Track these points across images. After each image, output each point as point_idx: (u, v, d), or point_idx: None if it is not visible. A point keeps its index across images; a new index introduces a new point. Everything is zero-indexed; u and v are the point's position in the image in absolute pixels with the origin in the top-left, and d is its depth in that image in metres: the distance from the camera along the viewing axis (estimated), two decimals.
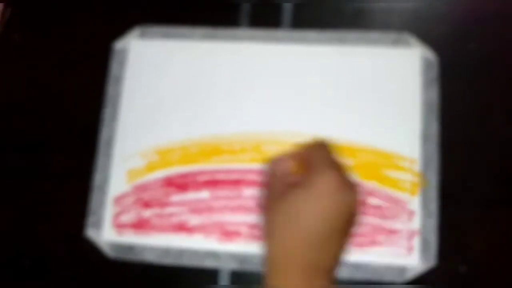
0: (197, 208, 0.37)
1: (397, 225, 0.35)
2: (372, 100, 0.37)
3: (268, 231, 0.28)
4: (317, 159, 0.28)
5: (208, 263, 0.36)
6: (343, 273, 0.35)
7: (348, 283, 0.35)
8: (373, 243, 0.35)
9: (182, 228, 0.36)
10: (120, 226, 0.37)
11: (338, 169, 0.28)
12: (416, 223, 0.35)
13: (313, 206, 0.27)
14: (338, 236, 0.27)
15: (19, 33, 0.43)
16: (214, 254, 0.36)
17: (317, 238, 0.26)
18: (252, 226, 0.36)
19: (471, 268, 0.34)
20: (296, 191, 0.27)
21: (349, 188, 0.28)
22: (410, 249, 0.35)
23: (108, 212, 0.37)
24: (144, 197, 0.37)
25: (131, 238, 0.37)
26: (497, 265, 0.35)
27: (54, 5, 0.43)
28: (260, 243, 0.31)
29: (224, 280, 0.36)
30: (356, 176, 0.29)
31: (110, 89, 0.40)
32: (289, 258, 0.27)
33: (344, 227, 0.27)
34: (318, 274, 0.27)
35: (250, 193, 0.36)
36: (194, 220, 0.36)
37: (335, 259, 0.28)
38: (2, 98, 0.41)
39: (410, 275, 0.34)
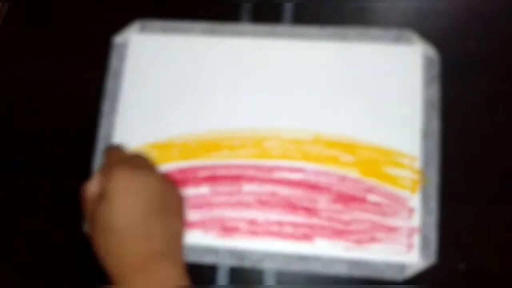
0: (196, 204, 0.36)
1: (397, 222, 0.35)
2: (372, 97, 0.37)
3: (97, 250, 0.29)
4: (103, 165, 0.30)
5: (207, 259, 0.35)
6: (342, 270, 0.34)
7: (347, 280, 0.35)
8: (373, 240, 0.35)
9: None
10: None
11: (120, 162, 0.29)
12: (416, 220, 0.35)
13: (112, 206, 0.27)
14: (157, 219, 0.28)
15: (18, 27, 0.42)
16: (213, 250, 0.35)
17: (132, 231, 0.27)
18: (252, 222, 0.36)
19: (471, 266, 0.34)
20: (100, 205, 0.28)
21: (139, 172, 0.28)
22: (410, 247, 0.35)
23: None
24: None
25: None
26: (497, 263, 0.34)
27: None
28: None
29: (223, 276, 0.35)
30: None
31: (109, 83, 0.39)
32: (121, 263, 0.27)
33: (158, 208, 0.28)
34: (156, 263, 0.27)
35: (250, 189, 0.36)
36: (193, 215, 0.36)
37: (168, 242, 0.28)
38: (3, 91, 0.41)
39: (410, 272, 0.34)
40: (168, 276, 0.28)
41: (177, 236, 0.29)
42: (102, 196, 0.28)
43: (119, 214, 0.27)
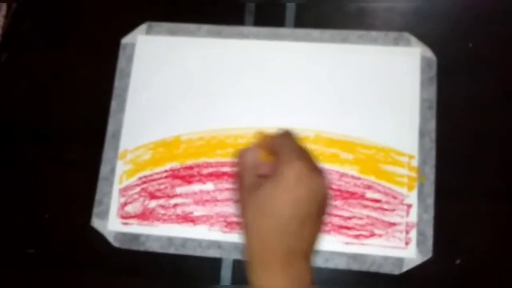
0: (201, 200, 0.38)
1: (395, 218, 0.36)
2: (372, 97, 0.38)
3: (244, 224, 0.29)
4: (283, 149, 0.29)
5: (212, 253, 0.37)
6: (341, 264, 0.36)
7: (346, 274, 0.36)
8: (372, 235, 0.36)
9: (186, 219, 0.37)
10: (125, 217, 0.38)
11: (303, 156, 0.29)
12: (413, 216, 0.36)
13: (284, 195, 0.27)
14: (311, 221, 0.28)
15: (27, 26, 0.43)
16: (217, 244, 0.37)
17: (290, 225, 0.27)
18: None
19: (467, 261, 0.35)
20: (266, 183, 0.28)
21: (316, 174, 0.28)
22: (407, 242, 0.36)
23: (114, 202, 0.38)
24: (149, 188, 0.38)
25: (136, 228, 0.37)
26: (491, 257, 0.36)
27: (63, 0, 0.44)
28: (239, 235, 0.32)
29: (226, 269, 0.37)
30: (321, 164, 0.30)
31: (117, 83, 0.41)
32: (265, 247, 0.28)
33: (315, 212, 0.28)
34: (296, 260, 0.28)
35: None
36: (198, 211, 0.37)
37: (310, 243, 0.29)
38: (15, 90, 0.42)
39: (407, 267, 0.35)
40: (305, 274, 0.28)
41: (319, 239, 0.29)
42: (271, 177, 0.28)
43: (287, 206, 0.27)
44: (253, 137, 0.34)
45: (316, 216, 0.28)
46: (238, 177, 0.31)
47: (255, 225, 0.28)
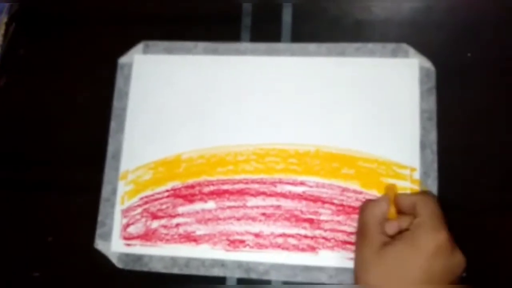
0: (203, 219, 0.38)
1: None
2: (372, 110, 0.38)
3: (364, 281, 0.28)
4: (425, 212, 0.28)
5: (216, 272, 0.37)
6: (346, 279, 0.35)
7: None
8: None
9: (189, 238, 0.37)
10: (128, 238, 0.38)
11: (446, 229, 0.28)
12: None
13: (419, 265, 0.26)
14: None
15: (24, 48, 0.44)
16: (221, 263, 0.37)
17: None
18: (257, 235, 0.37)
19: (472, 274, 0.35)
20: (400, 246, 0.27)
21: (457, 251, 0.27)
22: None
23: (116, 224, 0.38)
24: (151, 208, 0.38)
25: (139, 249, 0.37)
26: (497, 270, 0.35)
27: (60, 21, 0.44)
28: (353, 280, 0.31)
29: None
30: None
31: (116, 103, 0.41)
32: None
33: (443, 286, 0.27)
34: None
35: (255, 203, 0.37)
36: (200, 230, 0.37)
37: None
38: (12, 114, 0.42)
39: None
40: None
41: None
42: (404, 239, 0.27)
43: (420, 274, 0.26)
44: (385, 191, 0.34)
45: None
46: (362, 229, 0.30)
47: (379, 282, 0.27)
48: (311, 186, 0.37)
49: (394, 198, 0.30)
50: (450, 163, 0.37)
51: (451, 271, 0.27)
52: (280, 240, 0.37)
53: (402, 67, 0.39)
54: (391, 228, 0.29)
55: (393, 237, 0.29)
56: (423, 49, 0.39)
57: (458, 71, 0.39)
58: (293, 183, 0.37)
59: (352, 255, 0.36)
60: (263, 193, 0.37)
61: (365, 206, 0.30)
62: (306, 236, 0.36)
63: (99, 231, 0.38)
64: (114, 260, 0.38)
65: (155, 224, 0.38)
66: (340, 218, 0.36)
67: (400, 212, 0.30)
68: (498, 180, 0.37)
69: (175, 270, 0.37)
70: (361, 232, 0.30)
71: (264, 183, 0.38)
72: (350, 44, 0.40)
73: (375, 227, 0.29)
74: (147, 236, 0.38)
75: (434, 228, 0.27)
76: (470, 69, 0.39)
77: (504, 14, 0.40)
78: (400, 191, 0.34)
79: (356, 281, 0.29)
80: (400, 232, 0.30)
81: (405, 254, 0.27)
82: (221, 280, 0.37)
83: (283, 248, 0.36)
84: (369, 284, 0.27)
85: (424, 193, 0.29)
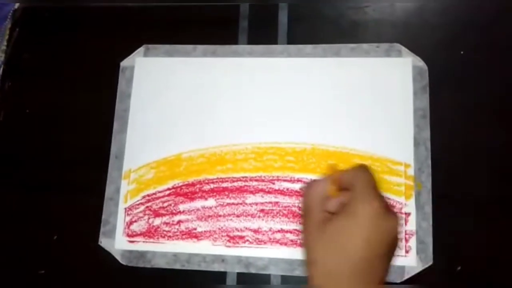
0: (204, 216, 0.39)
1: None
2: (366, 108, 0.39)
3: (310, 258, 0.29)
4: (359, 185, 0.29)
5: (216, 267, 0.38)
6: None
7: None
8: None
9: (190, 235, 0.38)
10: (131, 235, 0.39)
11: (379, 195, 0.28)
12: (412, 225, 0.37)
13: (358, 234, 0.27)
14: (381, 261, 0.28)
15: (28, 52, 0.45)
16: (221, 259, 0.38)
17: (362, 264, 0.27)
18: (256, 231, 0.38)
19: (467, 267, 0.36)
20: (339, 219, 0.28)
21: (391, 216, 0.28)
22: (407, 250, 0.36)
23: (120, 221, 0.39)
24: (153, 206, 0.39)
25: (142, 246, 0.39)
26: (492, 264, 0.36)
27: (63, 26, 0.45)
28: (302, 268, 0.32)
29: (231, 282, 0.37)
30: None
31: (118, 105, 0.42)
32: (332, 284, 0.27)
33: (385, 253, 0.28)
34: None
35: (253, 200, 0.38)
36: (201, 227, 0.38)
37: (379, 283, 0.28)
38: (18, 116, 0.44)
39: (408, 275, 0.36)
40: None
41: (384, 281, 0.29)
42: (342, 213, 0.28)
43: (359, 245, 0.27)
44: (325, 170, 0.34)
45: (385, 256, 0.28)
46: (305, 210, 0.30)
47: (323, 260, 0.28)
48: None
49: (335, 176, 0.30)
50: (443, 159, 0.38)
51: (388, 235, 0.27)
52: (278, 236, 0.38)
53: (396, 66, 0.40)
54: (332, 205, 0.29)
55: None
56: (416, 48, 0.40)
57: (451, 70, 0.40)
58: (291, 180, 0.38)
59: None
60: (262, 190, 0.39)
61: (306, 187, 0.31)
62: None
63: (103, 229, 0.39)
64: (118, 257, 0.39)
65: (157, 221, 0.39)
66: None
67: (342, 189, 0.30)
68: (491, 176, 0.37)
69: (177, 266, 0.38)
70: (304, 212, 0.30)
71: (263, 180, 0.39)
72: (345, 45, 0.41)
73: (316, 206, 0.30)
74: (150, 233, 0.39)
75: (368, 197, 0.28)
76: (462, 68, 0.40)
77: (494, 14, 0.41)
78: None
79: (304, 261, 0.30)
80: None
81: (344, 226, 0.27)
82: (222, 274, 0.38)
83: (281, 243, 0.37)
84: (315, 260, 0.28)
85: (359, 166, 0.30)
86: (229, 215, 0.38)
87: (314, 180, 0.31)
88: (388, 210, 0.28)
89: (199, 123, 0.41)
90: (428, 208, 0.37)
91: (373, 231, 0.27)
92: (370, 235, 0.27)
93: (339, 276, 0.27)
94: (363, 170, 0.30)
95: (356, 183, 0.29)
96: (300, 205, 0.33)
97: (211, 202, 0.39)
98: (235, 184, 0.39)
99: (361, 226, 0.27)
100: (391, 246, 0.28)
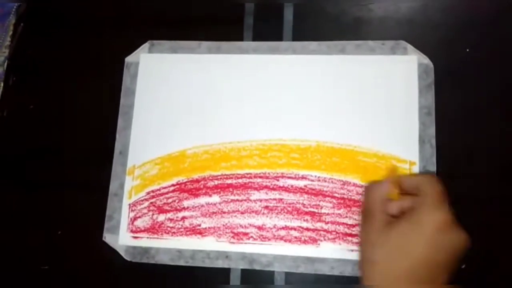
0: (208, 212, 0.39)
1: None
2: (371, 105, 0.39)
3: (370, 259, 0.29)
4: (427, 192, 0.29)
5: (220, 264, 0.38)
6: (347, 271, 0.36)
7: (352, 281, 0.36)
8: None
9: (194, 231, 0.38)
10: (135, 231, 0.39)
11: (448, 208, 0.29)
12: None
13: (421, 240, 0.27)
14: (442, 272, 0.28)
15: (32, 48, 0.45)
16: (225, 255, 0.38)
17: (421, 270, 0.27)
18: (260, 228, 0.38)
19: (471, 265, 0.36)
20: (402, 223, 0.28)
21: (458, 229, 0.28)
22: None
23: (124, 217, 0.39)
24: (157, 202, 0.39)
25: (146, 242, 0.39)
26: (496, 262, 0.36)
27: (67, 22, 0.45)
28: (359, 270, 0.32)
29: (235, 279, 0.38)
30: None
31: (123, 101, 0.42)
32: (390, 286, 0.28)
33: (446, 265, 0.28)
34: None
35: (258, 197, 0.38)
36: (205, 223, 0.38)
37: None
38: (22, 112, 0.44)
39: None
40: None
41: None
42: (407, 218, 0.28)
43: (423, 250, 0.27)
44: (387, 173, 0.35)
45: (446, 268, 0.28)
46: (366, 211, 0.30)
47: (384, 264, 0.28)
48: (312, 180, 0.38)
49: (396, 179, 0.31)
50: (448, 157, 0.38)
51: (454, 246, 0.28)
52: (282, 233, 0.38)
53: (401, 64, 0.40)
54: (394, 208, 0.29)
55: (396, 218, 0.30)
56: (422, 46, 0.40)
57: (456, 67, 0.39)
58: (295, 177, 0.38)
59: (353, 247, 0.37)
60: (266, 187, 0.39)
61: (369, 187, 0.31)
62: (308, 229, 0.37)
63: (107, 224, 0.39)
64: (122, 252, 0.39)
65: (161, 217, 0.39)
66: (341, 211, 0.37)
67: (402, 193, 0.30)
68: (496, 174, 0.37)
69: (181, 262, 0.38)
70: (365, 212, 0.30)
71: (267, 177, 0.39)
72: (350, 42, 0.41)
73: (378, 207, 0.30)
74: (154, 229, 0.39)
75: (436, 206, 0.28)
76: (468, 65, 0.39)
77: (499, 11, 0.40)
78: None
79: (361, 260, 0.30)
80: (403, 213, 0.31)
81: (409, 232, 0.28)
82: (226, 271, 0.38)
83: (285, 240, 0.37)
84: (375, 262, 0.28)
85: (427, 174, 0.30)
86: (233, 211, 0.38)
87: (376, 182, 0.31)
88: (456, 224, 0.28)
89: (204, 119, 0.41)
90: None
91: (440, 240, 0.27)
92: (436, 243, 0.27)
93: (397, 279, 0.27)
94: (432, 178, 0.30)
95: (424, 190, 0.29)
96: (361, 205, 0.33)
97: (215, 198, 0.39)
98: (240, 180, 0.39)
99: (427, 234, 0.27)
100: (453, 259, 0.28)
